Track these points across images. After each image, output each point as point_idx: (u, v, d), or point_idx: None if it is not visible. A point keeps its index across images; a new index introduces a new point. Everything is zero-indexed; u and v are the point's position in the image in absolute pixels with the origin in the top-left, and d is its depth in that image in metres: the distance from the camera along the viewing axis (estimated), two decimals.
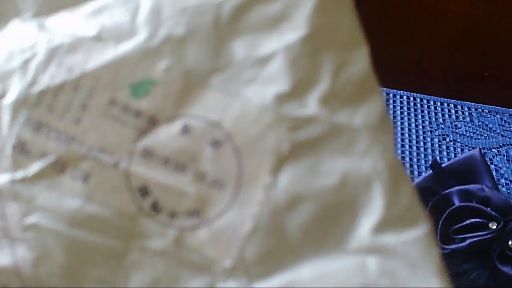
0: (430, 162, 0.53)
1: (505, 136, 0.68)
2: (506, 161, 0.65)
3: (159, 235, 0.20)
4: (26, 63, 0.22)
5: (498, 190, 0.50)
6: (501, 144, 0.68)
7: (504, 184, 0.62)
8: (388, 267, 0.19)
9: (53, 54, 0.22)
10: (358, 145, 0.20)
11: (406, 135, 0.69)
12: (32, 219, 0.21)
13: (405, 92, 0.76)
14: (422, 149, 0.67)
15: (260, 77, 0.20)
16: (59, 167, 0.21)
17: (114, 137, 0.21)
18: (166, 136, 0.21)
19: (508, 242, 0.45)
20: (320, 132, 0.20)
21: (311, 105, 0.20)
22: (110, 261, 0.20)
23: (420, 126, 0.70)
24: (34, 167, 0.21)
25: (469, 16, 1.43)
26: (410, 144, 0.68)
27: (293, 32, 0.21)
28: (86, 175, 0.21)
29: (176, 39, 0.21)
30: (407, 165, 0.65)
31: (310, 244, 0.19)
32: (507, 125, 0.70)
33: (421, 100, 0.75)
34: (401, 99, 0.75)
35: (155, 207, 0.20)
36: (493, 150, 0.67)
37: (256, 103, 0.20)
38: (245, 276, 0.19)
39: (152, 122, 0.21)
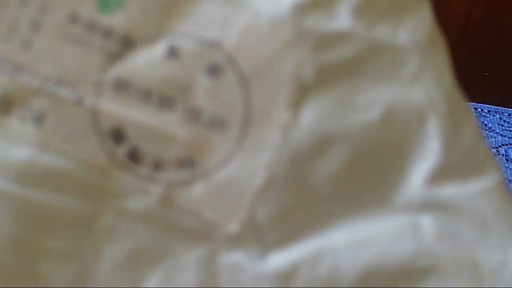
0: None
1: (504, 136, 0.69)
2: (505, 161, 0.65)
3: (139, 192, 0.15)
4: None
5: None
6: (500, 144, 0.68)
7: None
8: (449, 228, 0.14)
9: None
10: (405, 69, 0.15)
11: None
12: None
13: None
14: None
15: None
16: (4, 105, 0.16)
17: (76, 65, 0.16)
18: (146, 61, 0.15)
19: None
20: (355, 52, 0.15)
21: (341, 17, 0.15)
22: (75, 228, 0.15)
23: None
24: None
25: (469, 16, 1.43)
26: None
27: None
28: (39, 116, 0.15)
29: None
30: None
31: (344, 199, 0.14)
32: (506, 125, 0.71)
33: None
34: None
35: (134, 156, 0.15)
36: (492, 149, 0.66)
37: (267, 15, 0.15)
38: (257, 244, 0.14)
39: (127, 44, 0.16)
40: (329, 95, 0.15)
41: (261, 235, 0.15)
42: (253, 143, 0.15)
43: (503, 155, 0.66)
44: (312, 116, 0.15)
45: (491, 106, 0.73)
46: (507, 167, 0.64)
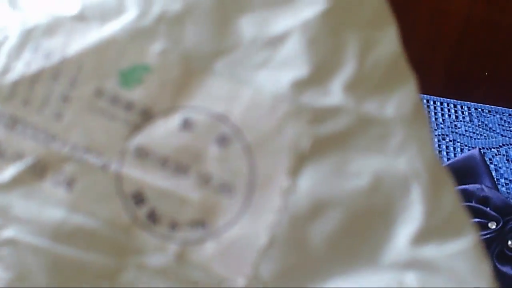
0: None
1: (505, 136, 0.69)
2: (506, 161, 0.65)
3: (158, 250, 0.17)
4: None
5: (498, 190, 0.49)
6: (500, 144, 0.68)
7: (504, 184, 0.62)
8: (430, 285, 0.16)
9: (27, 37, 0.18)
10: (391, 141, 0.17)
11: None
12: (8, 232, 0.17)
13: None
14: None
15: (273, 60, 0.17)
16: (38, 171, 0.18)
17: (102, 134, 0.18)
18: (163, 132, 0.17)
19: (507, 242, 0.45)
20: (347, 125, 0.17)
21: (334, 93, 0.17)
22: (101, 281, 0.17)
23: None
24: (9, 172, 0.18)
25: (469, 16, 1.41)
26: None
27: (310, 7, 0.17)
28: (70, 180, 0.17)
29: (172, 17, 0.18)
30: None
31: (338, 258, 0.16)
32: (506, 125, 0.70)
33: (421, 99, 0.75)
34: None
35: (153, 217, 0.17)
36: (492, 150, 0.67)
37: (269, 91, 0.17)
38: None
39: (146, 116, 0.18)
40: (323, 164, 0.17)
41: None
42: (257, 206, 0.17)
43: (503, 155, 0.66)
44: (309, 182, 0.17)
45: (492, 106, 0.74)
46: (507, 167, 0.64)
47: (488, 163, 0.62)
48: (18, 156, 0.18)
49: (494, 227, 0.45)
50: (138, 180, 0.17)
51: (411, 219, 0.16)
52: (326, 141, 0.17)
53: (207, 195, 0.17)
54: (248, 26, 0.18)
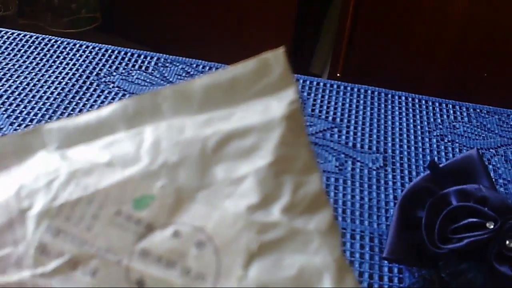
0: (428, 162, 0.54)
1: (503, 137, 0.69)
2: (504, 161, 0.65)
3: None
4: (50, 183, 0.27)
5: (496, 190, 0.49)
6: (499, 145, 0.68)
7: (502, 184, 0.62)
8: None
9: (72, 176, 0.27)
10: (311, 245, 0.25)
11: (405, 135, 0.70)
12: None
13: (404, 93, 0.77)
14: (420, 149, 0.68)
15: (236, 193, 0.26)
16: (72, 264, 0.26)
17: (118, 240, 0.26)
18: (160, 239, 0.26)
19: (505, 242, 0.45)
20: (282, 234, 0.25)
21: (274, 214, 0.25)
22: None
23: (419, 127, 0.71)
24: (52, 265, 0.26)
25: (469, 16, 1.43)
26: (409, 144, 0.69)
27: (261, 159, 0.26)
28: (94, 271, 0.25)
29: (170, 164, 0.27)
30: (406, 165, 0.65)
31: None
32: (505, 126, 0.71)
33: (420, 100, 0.76)
34: (400, 100, 0.76)
35: None
36: (491, 150, 0.67)
37: (231, 212, 0.26)
38: None
39: (149, 228, 0.26)
40: (266, 260, 0.25)
41: None
42: None
43: (502, 155, 0.66)
44: (256, 272, 0.25)
45: (490, 107, 0.74)
46: (506, 168, 0.64)
47: (487, 163, 0.62)
48: (59, 255, 0.26)
49: (492, 227, 0.45)
50: (141, 271, 0.25)
51: None
52: (268, 245, 0.25)
53: (187, 281, 0.25)
54: (220, 171, 0.27)
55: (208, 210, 0.26)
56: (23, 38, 0.81)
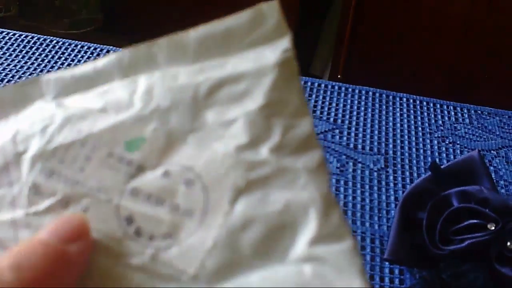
0: (430, 163, 0.53)
1: (504, 138, 0.69)
2: (505, 163, 0.66)
3: (139, 254, 0.25)
4: (45, 128, 0.28)
5: (497, 191, 0.49)
6: (500, 146, 0.68)
7: (503, 186, 0.62)
8: (320, 271, 0.23)
9: (67, 121, 0.28)
10: (298, 181, 0.25)
11: (406, 137, 0.70)
12: None
13: (405, 94, 0.77)
14: (421, 150, 0.68)
15: (226, 135, 0.27)
16: (64, 203, 0.26)
17: (110, 180, 0.26)
18: (150, 178, 0.26)
19: (506, 243, 0.45)
20: (269, 172, 0.26)
21: (263, 153, 0.26)
22: (102, 273, 0.25)
23: (420, 128, 0.71)
24: (45, 204, 0.26)
25: (469, 16, 1.42)
26: (410, 145, 0.69)
27: (253, 103, 0.27)
28: (85, 209, 0.26)
29: (162, 109, 0.28)
30: (407, 166, 0.65)
31: (258, 257, 0.24)
32: (506, 127, 0.71)
33: (421, 102, 0.76)
34: (401, 101, 0.76)
35: (138, 232, 0.25)
36: (492, 152, 0.67)
37: (221, 152, 0.26)
38: (205, 280, 0.24)
39: (140, 169, 0.26)
40: (253, 196, 0.25)
41: (208, 276, 0.24)
42: (208, 224, 0.25)
43: (503, 157, 0.66)
44: (242, 207, 0.25)
45: (491, 108, 0.74)
46: (507, 169, 0.64)
47: (488, 165, 0.62)
48: (52, 194, 0.26)
49: (493, 228, 0.45)
50: (131, 209, 0.26)
51: (308, 230, 0.24)
52: (255, 182, 0.25)
53: (175, 218, 0.25)
54: (211, 115, 0.27)
55: (198, 151, 0.26)
56: (24, 39, 0.82)
